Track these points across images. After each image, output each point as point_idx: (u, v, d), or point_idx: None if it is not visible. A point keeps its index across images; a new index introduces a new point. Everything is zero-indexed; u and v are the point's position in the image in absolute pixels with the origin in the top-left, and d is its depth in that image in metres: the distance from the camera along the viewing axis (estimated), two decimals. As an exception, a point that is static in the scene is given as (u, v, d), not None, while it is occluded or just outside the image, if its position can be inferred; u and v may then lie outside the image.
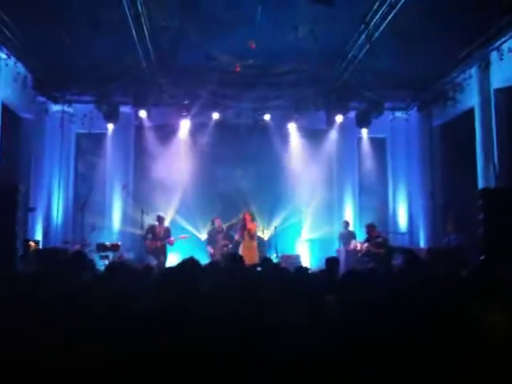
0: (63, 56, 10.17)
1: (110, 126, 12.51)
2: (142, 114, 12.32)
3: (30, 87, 11.10)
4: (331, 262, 5.79)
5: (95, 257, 10.52)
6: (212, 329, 2.52)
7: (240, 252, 10.59)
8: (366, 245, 10.80)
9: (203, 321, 2.65)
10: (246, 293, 3.30)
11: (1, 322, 2.62)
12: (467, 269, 4.99)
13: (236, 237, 11.36)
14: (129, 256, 11.05)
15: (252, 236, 10.98)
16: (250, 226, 11.03)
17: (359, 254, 10.83)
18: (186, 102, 12.15)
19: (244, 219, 11.11)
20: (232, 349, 2.33)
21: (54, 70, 11.05)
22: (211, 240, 11.72)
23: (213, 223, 11.87)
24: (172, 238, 11.19)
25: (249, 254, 10.15)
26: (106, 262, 10.32)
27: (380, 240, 10.57)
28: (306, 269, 5.37)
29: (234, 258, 4.94)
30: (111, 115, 12.17)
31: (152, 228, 11.22)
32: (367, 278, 4.43)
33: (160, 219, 11.36)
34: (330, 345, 2.42)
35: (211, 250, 11.56)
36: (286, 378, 2.19)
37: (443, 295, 3.64)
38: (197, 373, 2.22)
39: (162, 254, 11.08)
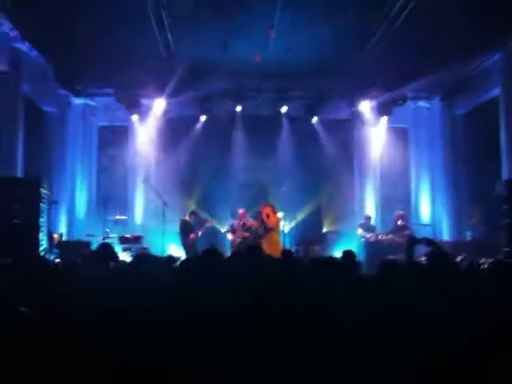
0: (84, 48, 10.20)
1: (133, 118, 12.55)
2: (163, 105, 12.34)
3: (52, 80, 11.19)
4: (348, 255, 5.77)
5: (118, 248, 10.68)
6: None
7: (263, 245, 10.60)
8: (390, 236, 10.71)
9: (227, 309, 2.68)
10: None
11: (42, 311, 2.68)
12: (490, 260, 4.93)
13: (258, 230, 11.29)
14: (151, 248, 11.12)
15: (273, 229, 10.96)
16: (272, 218, 11.00)
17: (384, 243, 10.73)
18: (205, 93, 12.12)
19: (264, 212, 11.06)
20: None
21: (75, 62, 11.10)
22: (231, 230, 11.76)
23: (233, 215, 11.85)
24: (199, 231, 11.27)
25: (272, 247, 10.13)
26: (129, 253, 10.45)
27: (407, 232, 10.45)
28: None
29: (253, 249, 4.93)
30: (132, 107, 12.23)
31: (185, 223, 11.34)
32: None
33: (194, 214, 11.54)
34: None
35: (231, 237, 11.61)
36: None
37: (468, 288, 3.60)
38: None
39: (195, 247, 11.14)
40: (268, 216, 11.05)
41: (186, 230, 11.30)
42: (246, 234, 11.37)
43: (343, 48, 10.61)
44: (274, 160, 12.93)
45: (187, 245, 11.17)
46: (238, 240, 11.30)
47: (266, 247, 10.00)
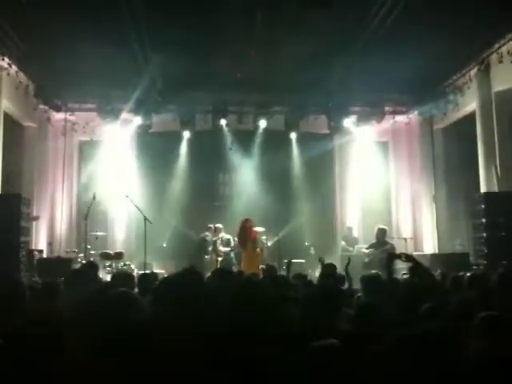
0: (63, 64, 10.19)
1: (114, 133, 12.51)
2: (144, 120, 12.34)
3: (32, 96, 11.14)
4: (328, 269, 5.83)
5: (100, 266, 10.59)
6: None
7: (243, 260, 10.67)
8: (371, 250, 10.77)
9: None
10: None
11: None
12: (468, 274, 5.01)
13: (238, 246, 11.32)
14: (132, 264, 11.05)
15: (255, 244, 10.99)
16: (253, 233, 11.04)
17: (366, 260, 10.77)
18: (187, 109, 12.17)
19: (245, 227, 11.03)
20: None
21: (55, 78, 11.10)
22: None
23: (209, 230, 11.88)
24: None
25: (252, 263, 10.21)
26: (109, 269, 10.37)
27: (388, 247, 10.52)
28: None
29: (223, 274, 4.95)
30: (113, 122, 12.20)
31: (207, 240, 11.57)
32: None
33: (217, 230, 11.61)
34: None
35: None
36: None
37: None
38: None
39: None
40: (250, 229, 11.09)
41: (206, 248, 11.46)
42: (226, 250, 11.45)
43: (322, 62, 10.73)
44: (255, 174, 13.00)
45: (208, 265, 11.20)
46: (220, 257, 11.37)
47: (248, 262, 10.07)
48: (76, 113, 12.46)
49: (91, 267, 5.21)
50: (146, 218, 10.99)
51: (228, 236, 11.86)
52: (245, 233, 10.98)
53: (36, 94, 11.24)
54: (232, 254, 11.57)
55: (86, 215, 11.03)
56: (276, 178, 12.74)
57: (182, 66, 10.47)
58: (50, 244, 11.90)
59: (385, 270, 4.79)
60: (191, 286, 3.67)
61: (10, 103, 10.20)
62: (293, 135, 13.00)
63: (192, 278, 3.81)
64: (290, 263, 7.48)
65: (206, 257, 11.55)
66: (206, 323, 2.82)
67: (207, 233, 11.84)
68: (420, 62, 10.16)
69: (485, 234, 8.79)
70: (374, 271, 8.71)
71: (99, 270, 9.77)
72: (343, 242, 11.87)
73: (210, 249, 11.61)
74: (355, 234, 12.43)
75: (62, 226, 12.36)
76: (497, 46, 9.52)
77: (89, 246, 10.82)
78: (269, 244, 11.96)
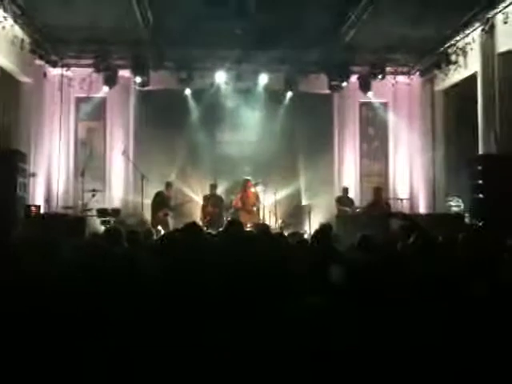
0: (60, 17, 10.00)
1: (111, 90, 12.36)
2: (142, 78, 12.17)
3: (28, 50, 10.95)
4: (324, 228, 5.83)
5: (96, 222, 10.64)
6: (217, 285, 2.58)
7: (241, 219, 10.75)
8: (367, 210, 10.80)
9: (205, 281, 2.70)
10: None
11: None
12: (463, 234, 5.01)
13: (235, 204, 11.41)
14: (130, 222, 11.09)
15: (253, 203, 11.07)
16: (250, 193, 11.14)
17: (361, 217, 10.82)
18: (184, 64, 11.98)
19: (246, 187, 11.24)
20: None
21: (51, 32, 10.92)
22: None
23: (212, 188, 11.84)
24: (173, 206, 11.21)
25: (250, 221, 10.38)
26: (108, 226, 10.41)
27: (384, 206, 10.54)
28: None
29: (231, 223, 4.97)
30: (110, 79, 12.05)
31: (160, 196, 11.17)
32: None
33: (168, 186, 11.35)
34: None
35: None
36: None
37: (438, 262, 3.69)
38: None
39: (165, 222, 11.01)
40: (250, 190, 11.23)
41: (159, 204, 11.08)
42: (216, 210, 11.42)
43: (323, 21, 10.56)
44: (254, 133, 12.94)
45: (156, 221, 10.85)
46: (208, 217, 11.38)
47: (246, 220, 10.20)
48: (72, 68, 12.27)
49: (80, 223, 5.22)
50: (143, 175, 11.03)
51: (219, 195, 11.87)
52: (243, 192, 11.15)
53: (32, 49, 11.03)
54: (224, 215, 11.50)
55: (83, 171, 11.05)
56: (275, 138, 12.68)
57: (180, 22, 10.28)
58: (47, 200, 11.91)
59: (381, 228, 4.82)
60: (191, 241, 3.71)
61: (5, 58, 10.02)
62: (292, 94, 12.83)
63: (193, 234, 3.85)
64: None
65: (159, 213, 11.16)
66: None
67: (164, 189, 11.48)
68: (423, 23, 10.00)
69: (481, 196, 8.82)
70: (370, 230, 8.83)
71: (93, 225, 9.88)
72: (338, 203, 11.81)
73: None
74: (352, 194, 12.41)
75: (59, 182, 12.35)
76: (502, 5, 9.33)
77: (86, 202, 10.84)
78: (265, 204, 11.98)
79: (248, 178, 11.59)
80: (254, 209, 11.31)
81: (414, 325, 2.33)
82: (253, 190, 11.41)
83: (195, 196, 12.33)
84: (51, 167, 12.31)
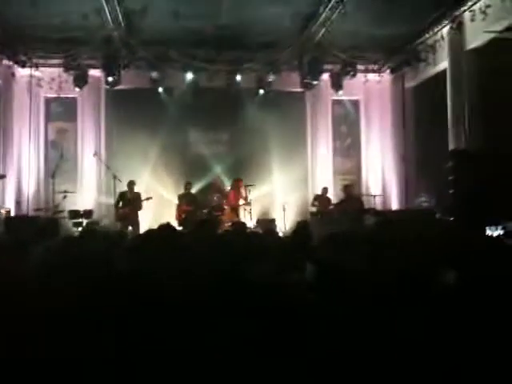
0: (27, 17, 9.84)
1: (81, 90, 12.20)
2: (113, 77, 12.03)
3: (-5, 51, 10.78)
4: (301, 226, 5.83)
5: (69, 224, 10.50)
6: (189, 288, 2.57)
7: (226, 217, 11.08)
8: (340, 207, 10.87)
9: (180, 281, 2.68)
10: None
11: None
12: (434, 230, 5.09)
13: (229, 202, 11.56)
14: (103, 223, 10.97)
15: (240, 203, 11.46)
16: (241, 193, 11.48)
17: (334, 215, 10.90)
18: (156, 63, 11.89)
19: (238, 186, 11.52)
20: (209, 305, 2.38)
21: (19, 32, 10.73)
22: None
23: (186, 187, 11.81)
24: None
25: (231, 220, 10.62)
26: (80, 228, 10.28)
27: (357, 203, 10.62)
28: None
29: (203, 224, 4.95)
30: (80, 79, 11.89)
31: (122, 194, 11.04)
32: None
33: (130, 184, 11.18)
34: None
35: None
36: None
37: (410, 257, 3.73)
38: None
39: (134, 221, 10.90)
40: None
41: (118, 202, 10.98)
42: (190, 208, 11.44)
43: (295, 19, 10.61)
44: (228, 132, 12.95)
45: (117, 217, 10.87)
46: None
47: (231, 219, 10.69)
48: (41, 68, 12.07)
49: (52, 224, 5.14)
50: (115, 176, 10.91)
51: (193, 194, 11.90)
52: (235, 192, 11.52)
53: (-1, 50, 10.87)
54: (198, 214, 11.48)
55: (54, 173, 10.90)
56: (248, 137, 12.66)
57: (153, 20, 10.22)
58: (18, 203, 11.71)
59: (354, 224, 4.86)
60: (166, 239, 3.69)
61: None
62: (264, 92, 12.83)
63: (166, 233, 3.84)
64: None
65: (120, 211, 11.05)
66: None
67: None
68: (393, 20, 10.12)
69: (452, 191, 8.95)
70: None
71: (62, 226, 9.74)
72: (316, 202, 11.80)
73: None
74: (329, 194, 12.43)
75: (29, 184, 12.14)
76: (470, 3, 9.49)
77: (57, 204, 10.69)
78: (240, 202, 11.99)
79: (239, 177, 11.74)
80: (239, 208, 11.43)
81: (389, 322, 2.35)
82: (242, 190, 11.49)
83: (168, 194, 12.23)
84: (21, 169, 12.10)
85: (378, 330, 2.28)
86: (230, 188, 11.86)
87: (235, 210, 11.46)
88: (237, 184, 11.62)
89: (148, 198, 11.03)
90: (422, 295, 2.58)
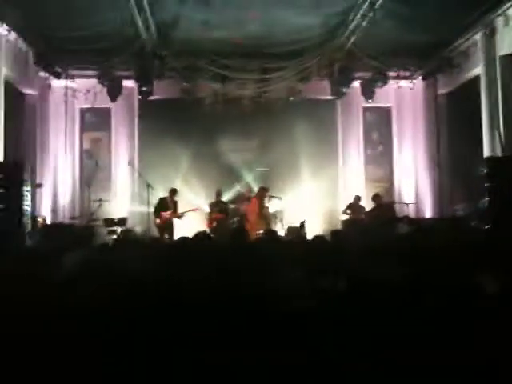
0: (62, 29, 10.08)
1: (115, 100, 12.43)
2: (146, 87, 12.22)
3: (32, 63, 11.05)
4: (336, 234, 5.82)
5: (104, 231, 10.68)
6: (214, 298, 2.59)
7: (254, 224, 10.94)
8: (372, 215, 10.79)
9: (208, 291, 2.71)
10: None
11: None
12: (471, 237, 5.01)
13: (249, 208, 11.54)
14: (136, 231, 11.11)
15: (266, 212, 11.46)
16: (265, 202, 11.47)
17: (366, 224, 10.81)
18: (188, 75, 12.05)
19: (263, 195, 11.42)
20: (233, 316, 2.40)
21: (54, 44, 11.01)
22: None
23: (218, 194, 11.91)
24: (179, 213, 11.19)
25: (261, 228, 10.47)
26: (114, 236, 10.44)
27: (390, 211, 10.51)
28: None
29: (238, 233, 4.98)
30: (114, 90, 12.12)
31: (162, 200, 11.18)
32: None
33: (172, 192, 11.32)
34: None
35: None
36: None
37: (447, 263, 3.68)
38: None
39: (170, 229, 11.05)
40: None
41: (158, 208, 11.09)
42: (222, 216, 11.49)
43: (324, 27, 10.62)
44: (258, 141, 13.00)
45: (157, 225, 11.04)
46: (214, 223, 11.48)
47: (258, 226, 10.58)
48: (77, 80, 12.37)
49: (87, 232, 5.24)
50: (148, 185, 11.06)
51: (224, 202, 11.97)
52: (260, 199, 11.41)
53: (36, 61, 11.15)
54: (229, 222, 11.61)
55: (90, 182, 11.11)
56: (278, 145, 12.66)
57: (183, 30, 10.37)
58: (54, 211, 11.96)
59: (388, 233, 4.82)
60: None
61: (9, 71, 10.09)
62: (295, 101, 12.82)
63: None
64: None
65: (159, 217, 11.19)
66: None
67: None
68: (425, 26, 10.04)
69: (487, 199, 8.79)
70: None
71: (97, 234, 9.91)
72: (349, 210, 11.70)
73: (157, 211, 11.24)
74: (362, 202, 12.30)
75: (65, 193, 12.41)
76: (503, 8, 9.36)
77: (92, 212, 10.89)
78: (271, 211, 12.00)
79: (265, 186, 11.71)
80: (267, 216, 11.44)
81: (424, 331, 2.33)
82: (266, 200, 11.51)
83: (200, 203, 12.33)
84: (57, 178, 12.37)
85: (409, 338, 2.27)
86: (254, 196, 11.75)
87: (265, 218, 11.42)
88: (262, 193, 11.53)
89: (193, 210, 11.25)
90: (463, 306, 2.55)
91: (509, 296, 2.71)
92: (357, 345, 2.21)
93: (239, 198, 12.24)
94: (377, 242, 4.85)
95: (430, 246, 4.24)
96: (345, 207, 11.80)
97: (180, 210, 11.28)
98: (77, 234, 8.72)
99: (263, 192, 11.53)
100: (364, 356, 2.15)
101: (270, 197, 11.59)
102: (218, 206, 11.70)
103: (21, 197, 9.21)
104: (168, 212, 11.03)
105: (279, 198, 11.69)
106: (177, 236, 10.63)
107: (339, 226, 10.86)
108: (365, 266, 3.69)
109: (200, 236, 3.94)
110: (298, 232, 10.96)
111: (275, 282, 2.91)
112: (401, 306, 2.50)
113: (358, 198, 11.93)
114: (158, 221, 11.05)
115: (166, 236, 10.72)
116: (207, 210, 11.94)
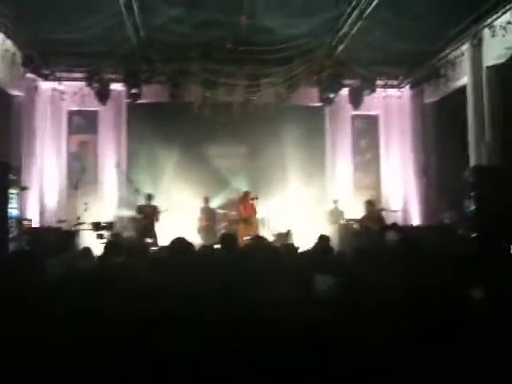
0: (52, 31, 10.01)
1: (102, 103, 12.37)
2: (134, 91, 12.18)
3: (19, 64, 10.95)
4: (323, 240, 5.83)
5: (91, 235, 10.57)
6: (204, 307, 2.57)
7: (241, 230, 11.04)
8: (360, 222, 10.84)
9: (195, 299, 2.69)
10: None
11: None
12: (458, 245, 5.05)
13: (237, 214, 11.65)
14: (124, 235, 11.04)
15: (252, 215, 11.50)
16: (250, 205, 11.53)
17: (353, 229, 10.87)
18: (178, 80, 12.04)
19: (246, 198, 11.52)
20: (224, 328, 2.38)
21: (42, 46, 10.94)
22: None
23: (206, 201, 11.93)
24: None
25: (249, 233, 10.57)
26: (102, 240, 10.34)
27: (377, 219, 10.57)
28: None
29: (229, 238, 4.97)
30: (102, 93, 12.06)
31: (140, 207, 11.23)
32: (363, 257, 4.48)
33: (148, 198, 11.32)
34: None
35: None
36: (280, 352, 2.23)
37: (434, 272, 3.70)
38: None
39: (151, 233, 11.04)
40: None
41: (138, 214, 11.27)
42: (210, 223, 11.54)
43: (314, 34, 10.67)
44: (246, 147, 13.03)
45: (135, 229, 11.19)
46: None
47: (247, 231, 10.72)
48: (64, 82, 12.28)
49: (68, 237, 5.19)
50: (136, 190, 11.02)
51: (212, 208, 12.07)
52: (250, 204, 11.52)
53: (23, 63, 11.05)
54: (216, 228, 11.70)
55: (76, 185, 11.02)
56: (267, 151, 12.68)
57: (173, 35, 10.36)
58: (40, 214, 11.84)
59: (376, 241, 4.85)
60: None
61: (-4, 71, 10.02)
62: (283, 107, 12.83)
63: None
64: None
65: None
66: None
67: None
68: (413, 36, 10.11)
69: (474, 207, 8.86)
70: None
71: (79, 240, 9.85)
72: (329, 215, 11.84)
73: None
74: (344, 207, 12.37)
75: (52, 196, 12.30)
76: (490, 19, 9.47)
77: (79, 216, 10.78)
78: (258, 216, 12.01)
79: (247, 190, 11.80)
80: (253, 221, 11.43)
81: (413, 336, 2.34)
82: (251, 202, 11.54)
83: (187, 207, 12.28)
84: (44, 180, 12.25)
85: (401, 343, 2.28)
86: (238, 201, 11.85)
87: (250, 223, 11.44)
88: (244, 197, 11.66)
89: (164, 210, 11.22)
90: (449, 311, 2.56)
91: (496, 303, 2.73)
92: (355, 352, 2.21)
93: (227, 204, 12.22)
94: (370, 249, 4.87)
95: (420, 254, 4.27)
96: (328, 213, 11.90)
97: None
98: (58, 239, 8.63)
99: (245, 197, 11.61)
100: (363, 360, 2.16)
101: (252, 199, 11.60)
102: (204, 212, 11.74)
103: (6, 199, 9.10)
104: (142, 221, 11.12)
105: (256, 198, 11.67)
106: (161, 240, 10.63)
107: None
108: (356, 270, 3.71)
109: (177, 243, 3.87)
110: (285, 238, 10.99)
111: (271, 294, 2.88)
112: (396, 312, 2.50)
113: (335, 202, 12.18)
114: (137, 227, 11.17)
115: (149, 240, 10.68)
116: (195, 213, 11.95)
